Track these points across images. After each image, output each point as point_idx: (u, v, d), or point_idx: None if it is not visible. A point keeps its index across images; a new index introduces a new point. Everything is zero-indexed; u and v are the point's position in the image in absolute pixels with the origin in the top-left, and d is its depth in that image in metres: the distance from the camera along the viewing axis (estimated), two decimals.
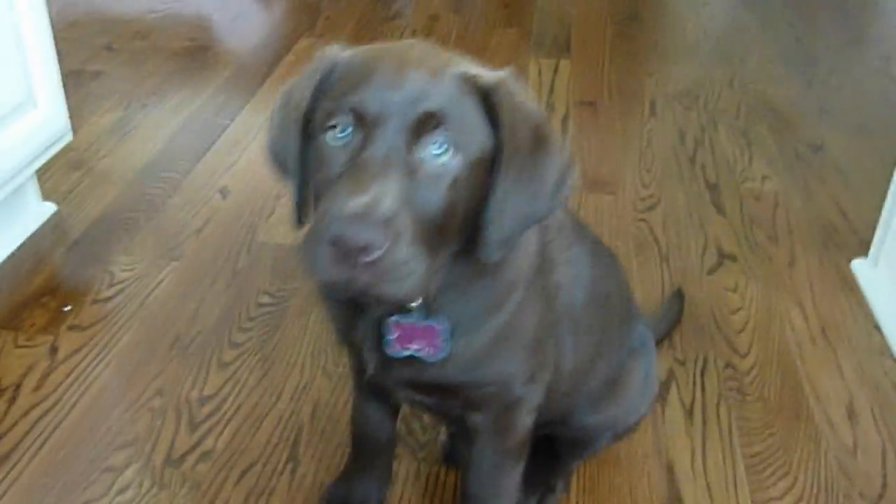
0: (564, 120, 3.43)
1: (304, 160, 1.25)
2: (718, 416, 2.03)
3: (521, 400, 1.47)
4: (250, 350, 2.16)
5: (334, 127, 1.17)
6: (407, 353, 1.34)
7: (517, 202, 1.23)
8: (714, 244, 2.67)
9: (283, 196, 2.78)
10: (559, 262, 1.50)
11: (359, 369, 1.57)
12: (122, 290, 2.35)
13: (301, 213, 1.30)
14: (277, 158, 1.33)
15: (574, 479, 1.84)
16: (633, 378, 1.76)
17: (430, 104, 1.15)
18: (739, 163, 3.16)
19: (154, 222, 2.66)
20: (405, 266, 1.12)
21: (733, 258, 2.61)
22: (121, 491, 1.78)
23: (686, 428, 1.99)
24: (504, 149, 1.20)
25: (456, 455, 1.84)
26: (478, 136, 1.19)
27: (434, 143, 1.16)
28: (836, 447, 1.97)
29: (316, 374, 2.09)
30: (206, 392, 2.03)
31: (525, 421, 1.50)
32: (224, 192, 2.83)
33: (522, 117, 1.23)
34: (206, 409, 1.98)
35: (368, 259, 1.08)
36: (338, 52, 1.26)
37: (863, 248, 2.64)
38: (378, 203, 1.09)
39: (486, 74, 1.23)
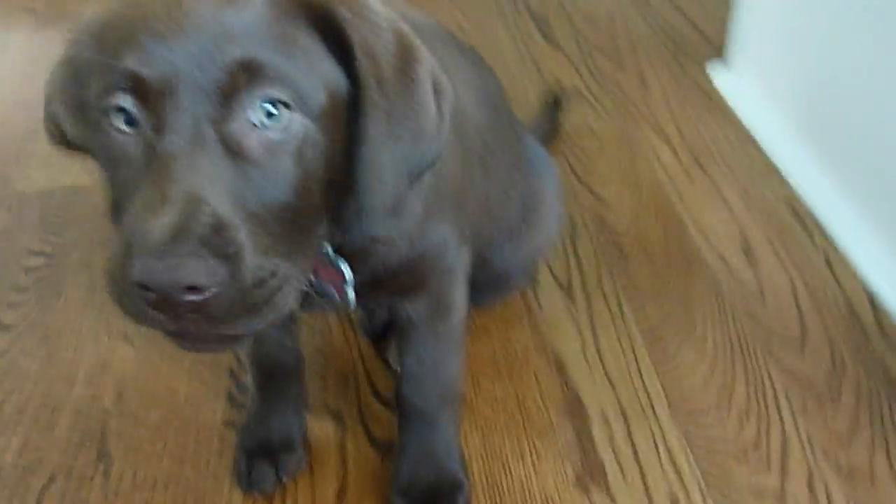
0: None
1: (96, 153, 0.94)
2: (602, 287, 1.73)
3: (454, 269, 1.25)
4: (26, 328, 1.73)
5: (116, 110, 0.85)
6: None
7: (397, 150, 0.93)
8: (554, 83, 2.32)
9: (41, 129, 2.30)
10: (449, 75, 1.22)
11: None
12: None
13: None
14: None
15: None
16: (546, 198, 1.57)
17: (238, 48, 0.83)
18: None
19: None
20: (261, 287, 0.83)
21: (579, 95, 2.27)
22: None
23: (568, 310, 1.68)
24: (363, 84, 0.89)
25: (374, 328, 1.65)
26: (321, 76, 0.88)
27: (256, 104, 0.84)
28: (740, 295, 1.70)
29: (115, 344, 1.68)
30: None
31: (462, 293, 1.30)
32: None
33: (377, 33, 0.91)
34: None
35: (201, 300, 0.79)
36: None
37: (714, 51, 2.37)
38: (192, 215, 0.79)
39: None
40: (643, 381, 1.55)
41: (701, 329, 1.63)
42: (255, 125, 0.84)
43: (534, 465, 1.43)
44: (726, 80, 2.25)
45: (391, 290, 1.22)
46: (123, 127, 0.86)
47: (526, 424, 1.49)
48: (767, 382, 1.53)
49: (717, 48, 2.37)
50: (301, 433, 1.47)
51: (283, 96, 0.84)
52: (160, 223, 0.78)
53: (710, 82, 2.28)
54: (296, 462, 1.45)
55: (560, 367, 1.58)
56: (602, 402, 1.52)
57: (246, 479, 1.43)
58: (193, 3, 0.84)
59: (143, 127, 0.84)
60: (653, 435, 1.46)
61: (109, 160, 0.89)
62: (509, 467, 1.43)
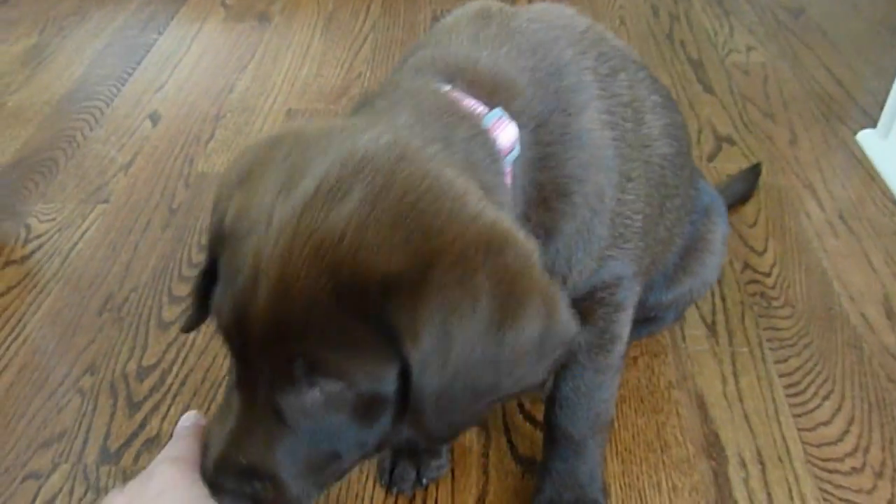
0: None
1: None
2: (745, 328, 1.76)
3: (625, 305, 1.26)
4: None
5: None
6: None
7: (467, 381, 0.91)
8: (708, 127, 2.38)
9: (224, 115, 2.44)
10: (646, 111, 1.25)
11: None
12: (40, 246, 2.01)
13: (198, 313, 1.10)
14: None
15: None
16: (712, 241, 1.57)
17: (300, 345, 0.89)
18: (720, 35, 2.86)
19: (75, 161, 2.31)
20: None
21: (731, 141, 2.32)
22: (47, 503, 1.46)
23: (711, 347, 1.72)
24: (412, 368, 0.88)
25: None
26: (375, 363, 0.90)
27: (310, 388, 0.92)
28: (879, 352, 1.71)
29: None
30: (146, 362, 1.71)
31: (627, 328, 1.30)
32: (154, 119, 2.48)
33: (456, 304, 0.87)
34: (148, 384, 1.66)
35: None
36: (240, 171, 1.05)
37: (867, 119, 2.38)
38: (232, 458, 0.95)
39: (389, 262, 0.86)
40: (780, 427, 1.57)
41: (839, 383, 1.65)
42: (305, 400, 0.92)
43: (670, 498, 1.46)
44: (877, 146, 2.26)
45: None
46: None
47: (664, 456, 1.52)
48: None
49: (868, 115, 2.38)
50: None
51: (337, 386, 0.91)
52: (213, 449, 0.96)
53: (859, 146, 2.29)
54: (438, 466, 1.47)
55: (700, 404, 1.61)
56: (740, 443, 1.54)
57: (388, 477, 1.46)
58: (275, 298, 0.87)
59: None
60: (787, 482, 1.48)
61: None
62: (646, 498, 1.46)
